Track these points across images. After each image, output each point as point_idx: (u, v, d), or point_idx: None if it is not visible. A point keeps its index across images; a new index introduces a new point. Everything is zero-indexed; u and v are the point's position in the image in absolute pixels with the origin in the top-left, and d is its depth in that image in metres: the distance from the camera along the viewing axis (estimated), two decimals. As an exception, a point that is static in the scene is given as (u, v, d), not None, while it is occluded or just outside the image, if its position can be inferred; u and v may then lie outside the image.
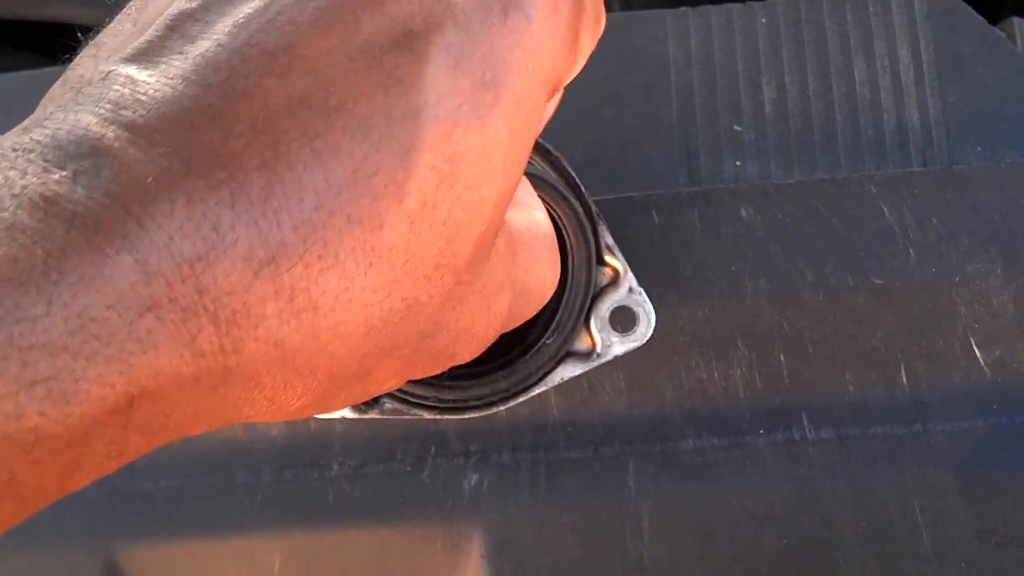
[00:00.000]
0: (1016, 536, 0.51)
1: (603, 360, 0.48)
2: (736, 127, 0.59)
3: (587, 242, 0.47)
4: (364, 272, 0.26)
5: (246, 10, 0.26)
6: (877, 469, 0.52)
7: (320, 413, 0.31)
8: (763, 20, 0.60)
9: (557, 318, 0.47)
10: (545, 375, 0.48)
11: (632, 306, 0.48)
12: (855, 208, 0.53)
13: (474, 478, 0.54)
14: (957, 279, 0.52)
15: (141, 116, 0.24)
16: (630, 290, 0.48)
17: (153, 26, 0.27)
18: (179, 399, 0.25)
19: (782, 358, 0.53)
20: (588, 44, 0.34)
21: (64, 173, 0.23)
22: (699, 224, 0.54)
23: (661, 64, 0.60)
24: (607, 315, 0.48)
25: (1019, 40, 0.63)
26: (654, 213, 0.54)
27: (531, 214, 0.39)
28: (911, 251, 0.53)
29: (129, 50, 0.27)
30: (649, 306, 0.48)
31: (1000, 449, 0.51)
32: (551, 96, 0.32)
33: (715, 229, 0.54)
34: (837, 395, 0.52)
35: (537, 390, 0.48)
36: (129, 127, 0.24)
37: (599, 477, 0.53)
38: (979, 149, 0.57)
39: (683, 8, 0.61)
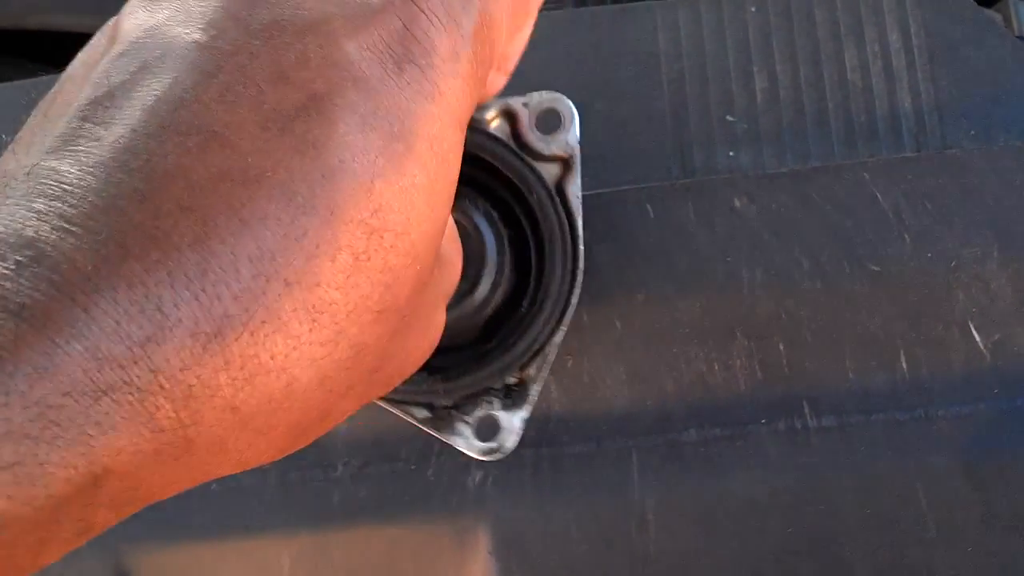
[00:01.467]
0: (1022, 519, 0.51)
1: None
2: (728, 117, 0.59)
3: (556, 209, 0.47)
4: (309, 330, 0.27)
5: (152, 94, 0.27)
6: (880, 456, 0.52)
7: (287, 452, 0.32)
8: (752, 9, 0.60)
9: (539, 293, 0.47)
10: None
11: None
12: (849, 195, 0.53)
13: (478, 475, 0.54)
14: (953, 263, 0.53)
15: (71, 206, 0.25)
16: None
17: (65, 118, 0.28)
18: (143, 473, 0.26)
19: (781, 347, 0.53)
20: (518, 43, 0.36)
21: (6, 265, 0.24)
22: (693, 216, 0.54)
23: (651, 56, 0.60)
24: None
25: (1015, 22, 0.63)
26: (648, 206, 0.54)
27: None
28: (906, 237, 0.53)
29: (48, 143, 0.27)
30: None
31: (1003, 432, 0.52)
32: (468, 120, 0.32)
33: (709, 220, 0.54)
34: (838, 383, 0.53)
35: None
36: (62, 217, 0.25)
37: (603, 471, 0.53)
38: (972, 132, 0.57)
39: (672, -1, 0.62)
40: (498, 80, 0.36)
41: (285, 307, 0.26)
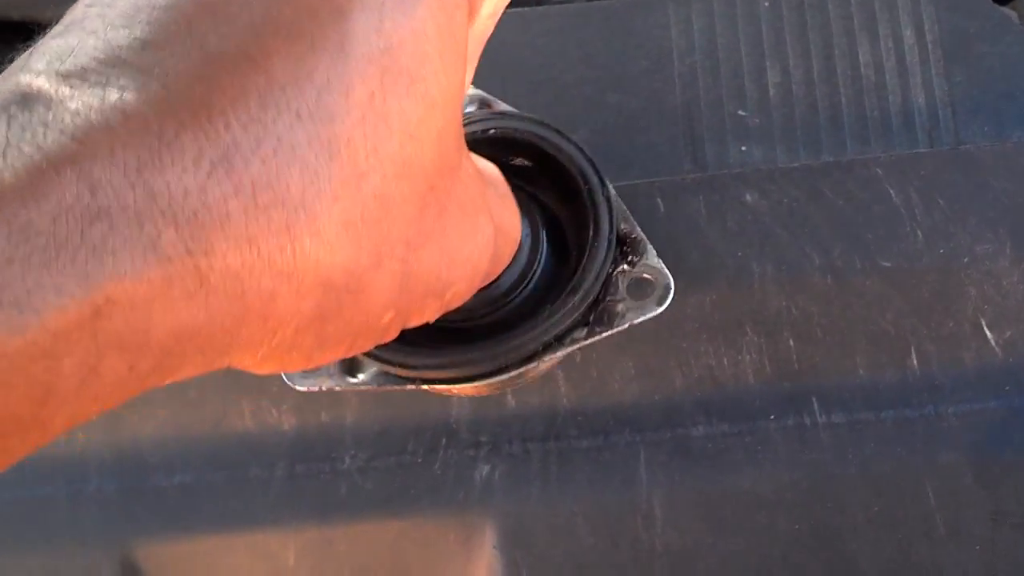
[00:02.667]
0: (1030, 517, 0.51)
1: (618, 328, 0.44)
2: (740, 112, 0.58)
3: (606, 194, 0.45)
4: (326, 164, 0.26)
5: None
6: (889, 453, 0.51)
7: (326, 351, 0.30)
8: (766, 4, 0.60)
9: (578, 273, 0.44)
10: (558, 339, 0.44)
11: (650, 275, 0.45)
12: (861, 190, 0.53)
13: (485, 469, 0.54)
14: (966, 260, 0.52)
15: (72, 63, 0.25)
16: (644, 260, 0.46)
17: None
18: (154, 309, 0.24)
19: (791, 343, 0.53)
20: None
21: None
22: (704, 210, 0.54)
23: (664, 50, 0.60)
24: (623, 285, 0.45)
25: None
26: (659, 200, 0.54)
27: (488, 165, 0.40)
28: (919, 233, 0.52)
29: (58, 27, 0.27)
30: (667, 274, 0.45)
31: (1013, 430, 0.51)
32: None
33: (721, 215, 0.53)
34: (847, 379, 0.52)
35: (559, 352, 0.44)
36: (60, 73, 0.24)
37: (610, 465, 0.53)
38: (986, 128, 0.57)
39: (686, -7, 0.61)
40: None
41: (299, 138, 0.25)
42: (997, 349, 0.52)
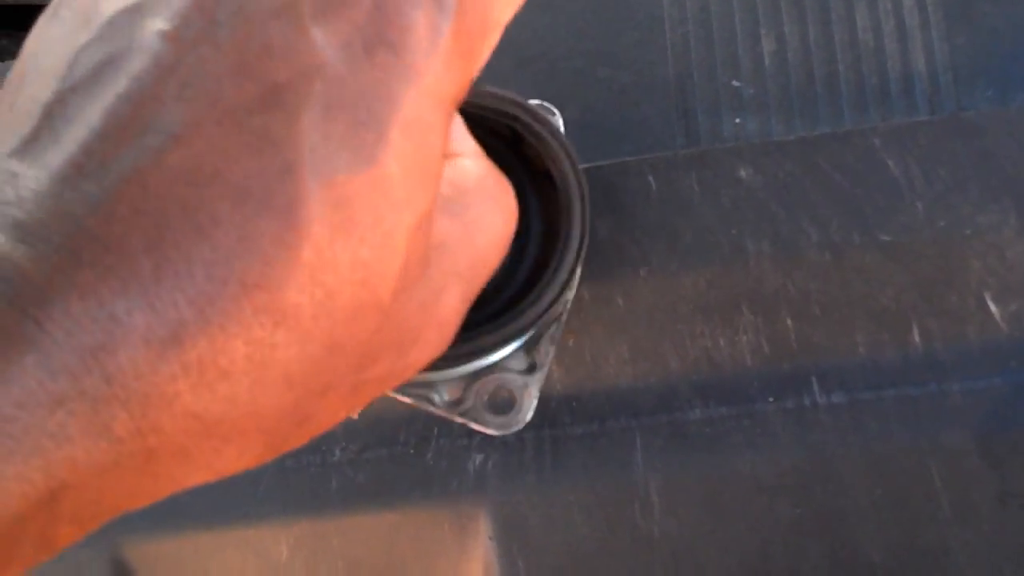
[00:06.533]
0: (1039, 497, 0.49)
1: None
2: (735, 82, 0.57)
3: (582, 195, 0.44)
4: (271, 333, 0.26)
5: (114, 91, 0.26)
6: (892, 433, 0.50)
7: (271, 458, 0.31)
8: (758, -31, 0.58)
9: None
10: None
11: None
12: (859, 162, 0.51)
13: (478, 458, 0.53)
14: (968, 232, 0.50)
15: (27, 213, 0.24)
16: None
17: (30, 115, 0.27)
18: (105, 485, 0.25)
19: (789, 322, 0.51)
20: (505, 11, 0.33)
21: None
22: (697, 187, 0.52)
23: (655, 19, 0.58)
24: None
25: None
26: (650, 177, 0.52)
27: (459, 166, 0.37)
28: (919, 205, 0.51)
29: (11, 143, 0.26)
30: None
31: (1019, 407, 0.50)
32: (458, 97, 0.31)
33: (714, 191, 0.52)
34: (848, 358, 0.51)
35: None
36: (16, 225, 0.24)
37: (606, 452, 0.52)
38: (989, 93, 0.55)
39: (676, -40, 0.60)
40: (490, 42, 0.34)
41: (245, 311, 0.25)
42: (1002, 324, 0.50)
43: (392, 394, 0.48)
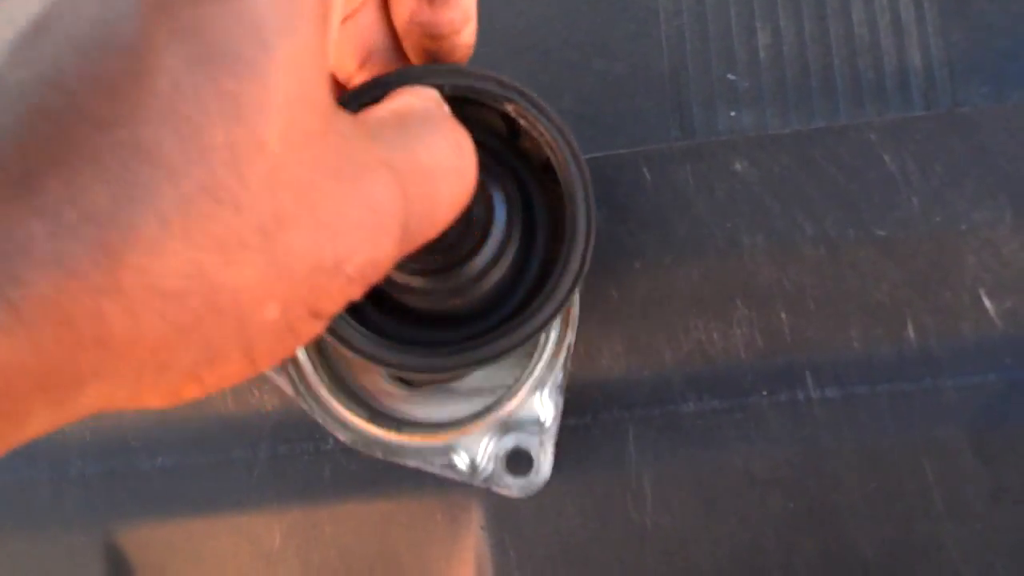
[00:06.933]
0: (1032, 493, 0.49)
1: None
2: (730, 76, 0.57)
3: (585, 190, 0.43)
4: (134, 169, 0.25)
5: None
6: (885, 428, 0.50)
7: (215, 367, 0.28)
8: (756, -38, 0.58)
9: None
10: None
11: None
12: (854, 157, 0.51)
13: (471, 449, 0.53)
14: (964, 227, 0.50)
15: None
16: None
17: None
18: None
19: (783, 316, 0.51)
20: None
21: None
22: (692, 180, 0.52)
23: (650, 12, 0.58)
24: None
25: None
26: (644, 170, 0.52)
27: (403, 100, 0.35)
28: (914, 200, 0.51)
29: None
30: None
31: (1013, 403, 0.50)
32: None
33: (708, 184, 0.52)
34: (842, 352, 0.51)
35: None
36: None
37: (599, 444, 0.52)
38: (984, 89, 0.55)
39: (673, -48, 0.59)
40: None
41: (100, 149, 0.24)
42: (996, 320, 0.50)
43: (414, 463, 0.49)
